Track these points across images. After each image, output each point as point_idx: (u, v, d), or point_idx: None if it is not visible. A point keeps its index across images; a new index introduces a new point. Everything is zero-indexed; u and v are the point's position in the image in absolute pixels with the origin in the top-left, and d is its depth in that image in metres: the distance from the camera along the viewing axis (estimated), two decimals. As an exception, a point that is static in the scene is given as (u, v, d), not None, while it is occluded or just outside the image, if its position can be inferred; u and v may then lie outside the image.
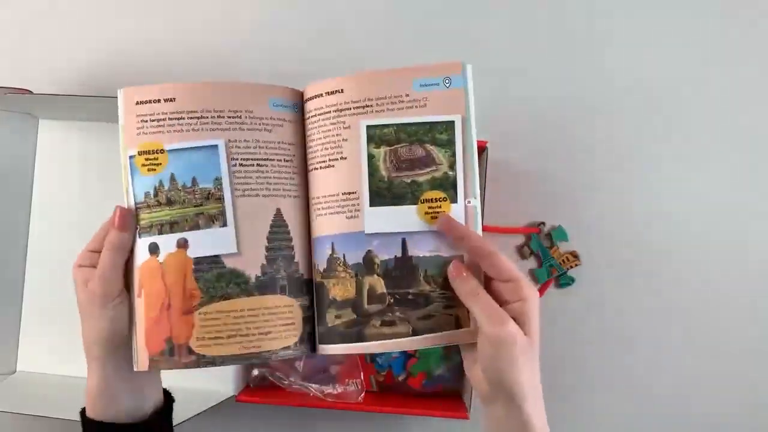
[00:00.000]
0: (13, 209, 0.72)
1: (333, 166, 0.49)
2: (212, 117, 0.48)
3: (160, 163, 0.48)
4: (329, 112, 0.50)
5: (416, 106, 0.49)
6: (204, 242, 0.48)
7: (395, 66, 0.49)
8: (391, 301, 0.48)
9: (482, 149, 0.67)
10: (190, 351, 0.47)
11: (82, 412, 0.50)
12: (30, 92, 0.69)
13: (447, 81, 0.49)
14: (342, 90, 0.49)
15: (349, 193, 0.49)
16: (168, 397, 0.54)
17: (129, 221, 0.48)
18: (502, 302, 0.45)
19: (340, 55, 0.77)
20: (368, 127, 0.49)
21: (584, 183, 0.76)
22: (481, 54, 0.76)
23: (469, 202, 0.49)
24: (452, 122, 0.49)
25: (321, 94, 0.50)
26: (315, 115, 0.50)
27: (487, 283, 0.48)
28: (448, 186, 0.48)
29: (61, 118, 0.74)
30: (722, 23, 0.76)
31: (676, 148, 0.76)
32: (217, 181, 0.48)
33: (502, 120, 0.75)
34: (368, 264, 0.48)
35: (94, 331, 0.48)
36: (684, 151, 0.76)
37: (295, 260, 0.49)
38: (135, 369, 0.48)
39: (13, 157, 0.72)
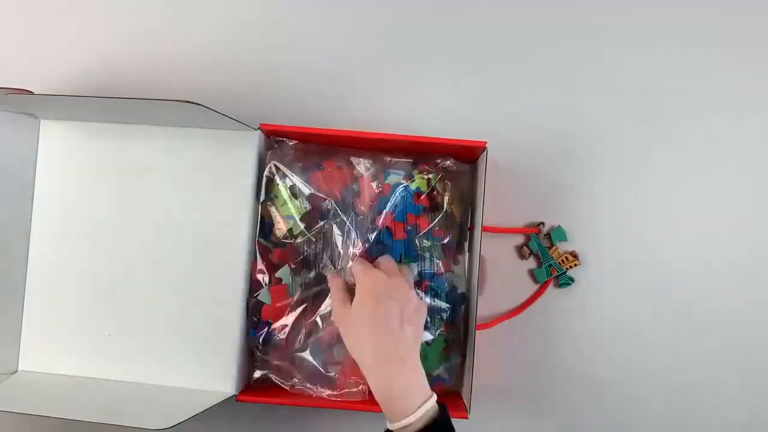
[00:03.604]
0: (13, 210, 0.72)
1: None
2: None
3: None
4: None
5: None
6: None
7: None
8: None
9: (482, 149, 0.67)
10: None
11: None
12: (31, 92, 0.69)
13: None
14: None
15: None
16: None
17: None
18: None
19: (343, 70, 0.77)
20: None
21: (584, 183, 0.76)
22: (481, 54, 0.76)
23: None
24: None
25: None
26: None
27: None
28: None
29: (62, 118, 0.73)
30: (724, 23, 0.76)
31: (676, 148, 0.76)
32: None
33: (502, 120, 0.75)
34: None
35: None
36: (684, 151, 0.76)
37: None
38: None
39: (13, 157, 0.72)
